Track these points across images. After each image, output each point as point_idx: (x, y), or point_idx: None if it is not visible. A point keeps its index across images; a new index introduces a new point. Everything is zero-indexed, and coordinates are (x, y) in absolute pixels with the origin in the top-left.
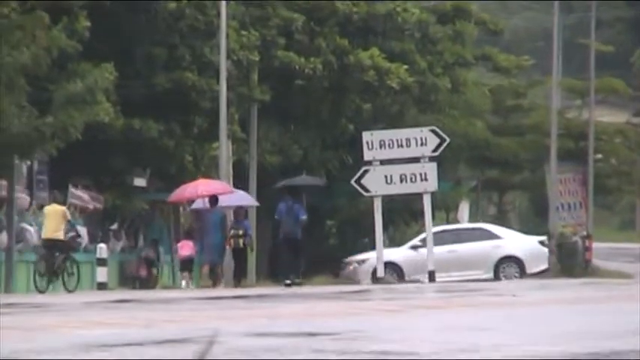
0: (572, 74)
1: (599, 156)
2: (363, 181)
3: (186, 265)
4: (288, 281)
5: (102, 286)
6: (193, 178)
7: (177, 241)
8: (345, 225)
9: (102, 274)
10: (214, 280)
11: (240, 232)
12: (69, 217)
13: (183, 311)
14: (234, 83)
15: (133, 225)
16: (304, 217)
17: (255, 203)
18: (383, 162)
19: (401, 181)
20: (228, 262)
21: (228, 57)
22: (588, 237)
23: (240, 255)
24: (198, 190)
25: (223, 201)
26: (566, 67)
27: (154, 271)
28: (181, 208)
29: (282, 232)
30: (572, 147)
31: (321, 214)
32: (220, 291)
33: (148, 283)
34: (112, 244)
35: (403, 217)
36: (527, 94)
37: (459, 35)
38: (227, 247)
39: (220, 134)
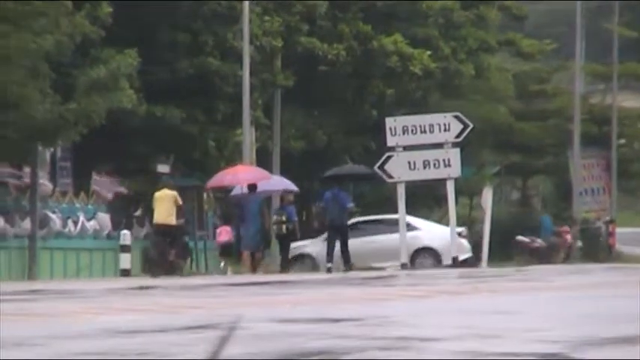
0: (596, 59)
1: (623, 141)
2: (386, 167)
3: (225, 250)
4: (329, 265)
5: (125, 273)
6: (217, 164)
7: (201, 227)
8: (369, 211)
9: (125, 260)
10: (254, 266)
11: (284, 218)
12: (180, 202)
13: (206, 297)
14: (258, 69)
15: None
16: (351, 204)
17: (296, 189)
18: (406, 148)
19: (424, 167)
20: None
21: (251, 43)
22: (612, 222)
23: (284, 241)
24: (238, 177)
25: (263, 185)
26: (589, 52)
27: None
28: (205, 195)
29: (329, 219)
30: (595, 132)
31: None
32: (251, 277)
33: (175, 269)
34: (136, 231)
35: (427, 202)
36: (550, 79)
37: (483, 20)
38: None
39: (244, 120)
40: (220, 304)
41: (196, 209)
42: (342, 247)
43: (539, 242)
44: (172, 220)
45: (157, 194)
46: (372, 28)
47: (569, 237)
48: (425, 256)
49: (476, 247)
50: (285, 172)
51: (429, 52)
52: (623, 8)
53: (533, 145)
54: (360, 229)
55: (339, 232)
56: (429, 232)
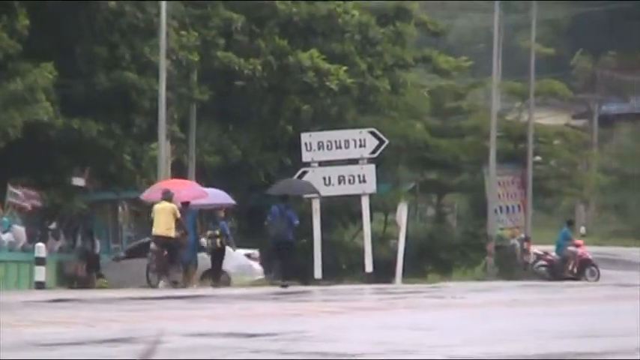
0: (512, 76)
1: (539, 158)
2: None
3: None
4: (272, 274)
5: (40, 286)
6: (133, 178)
7: (115, 241)
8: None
9: (40, 273)
10: (189, 279)
11: (217, 232)
12: (179, 215)
13: (124, 311)
14: (174, 83)
15: (72, 224)
16: (297, 222)
17: (232, 201)
18: (321, 163)
19: (339, 182)
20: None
21: (167, 57)
22: (527, 240)
23: (217, 255)
24: (180, 192)
25: (200, 200)
26: (505, 69)
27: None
28: (120, 208)
29: (274, 235)
30: (511, 149)
31: (260, 215)
32: (169, 291)
33: (87, 282)
34: (51, 244)
35: (342, 218)
36: (466, 96)
37: (399, 36)
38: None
39: (159, 134)
40: (138, 317)
41: (111, 222)
42: (284, 262)
43: (552, 255)
44: (171, 233)
45: (157, 206)
46: (289, 43)
47: (580, 250)
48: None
49: (390, 264)
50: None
51: (345, 68)
52: (539, 25)
53: (449, 161)
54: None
55: (285, 246)
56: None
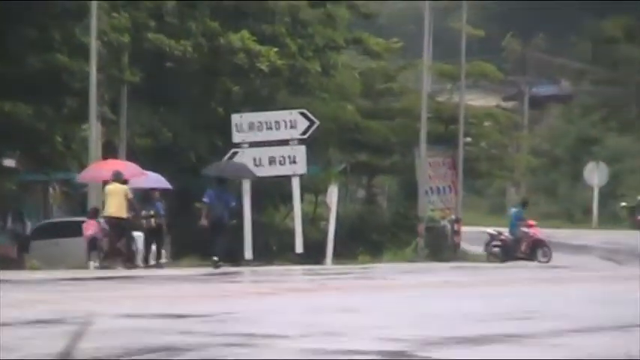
0: (443, 58)
1: (469, 140)
2: None
3: (92, 244)
4: (216, 258)
5: None
6: (64, 159)
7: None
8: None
9: None
10: (124, 259)
11: (152, 212)
12: (130, 195)
13: (52, 292)
14: (105, 65)
15: (1, 206)
16: (234, 203)
17: (169, 186)
18: (252, 144)
19: (270, 163)
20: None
21: (98, 38)
22: (457, 221)
23: (153, 234)
24: (109, 172)
25: (136, 183)
26: (436, 51)
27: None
28: (50, 189)
29: (213, 217)
30: (442, 131)
31: (190, 196)
32: (96, 272)
33: (18, 264)
34: None
35: (272, 199)
36: (397, 78)
37: (331, 18)
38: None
39: (90, 116)
40: (65, 299)
41: (42, 204)
42: (217, 241)
43: (505, 235)
44: (123, 213)
45: (109, 187)
46: (220, 25)
47: (532, 230)
48: None
49: (321, 245)
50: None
51: (275, 49)
52: (470, 7)
53: (379, 143)
54: (48, 230)
55: (220, 227)
56: None
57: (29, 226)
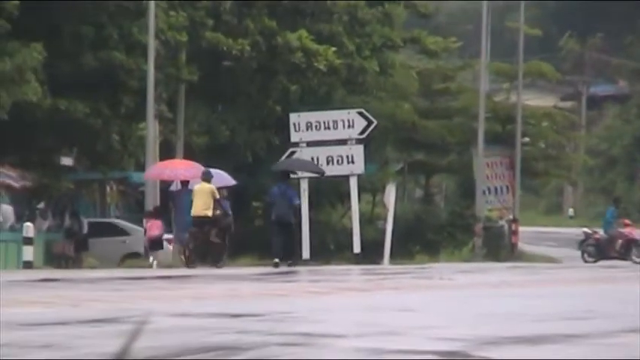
0: (500, 57)
1: (527, 139)
2: None
3: (156, 244)
4: (276, 260)
5: (28, 265)
6: (120, 158)
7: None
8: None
9: (28, 252)
10: (186, 259)
11: (219, 212)
12: (217, 195)
13: (109, 291)
14: (162, 63)
15: (59, 204)
16: (298, 202)
17: (233, 182)
18: (310, 144)
19: (327, 163)
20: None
21: (156, 37)
22: (515, 221)
23: (220, 234)
24: (177, 172)
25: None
26: (494, 50)
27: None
28: (107, 188)
29: (275, 215)
30: (499, 130)
31: (247, 195)
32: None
33: (75, 262)
34: (39, 223)
35: (330, 198)
36: (455, 77)
37: (388, 17)
38: None
39: (147, 114)
40: (122, 297)
41: (99, 202)
42: (287, 242)
43: (600, 234)
44: (209, 212)
45: (196, 187)
46: (278, 24)
47: (627, 230)
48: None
49: (378, 244)
50: None
51: (333, 49)
52: (528, 6)
53: (437, 142)
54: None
55: (286, 228)
56: (139, 238)
57: (86, 225)
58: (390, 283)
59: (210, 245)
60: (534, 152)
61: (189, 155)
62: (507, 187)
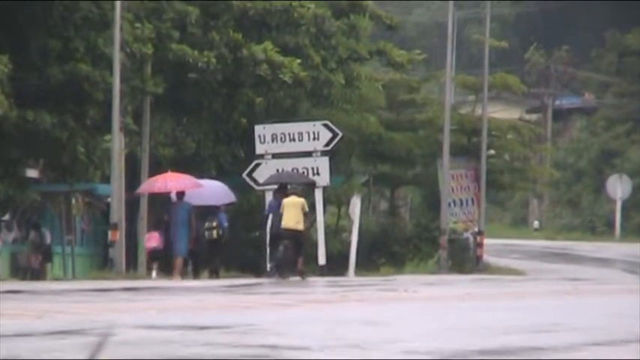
0: (466, 70)
1: (492, 152)
2: (254, 175)
3: (154, 256)
4: (270, 265)
5: None
6: (86, 170)
7: (69, 232)
8: (237, 218)
9: None
10: (175, 271)
11: (214, 224)
12: (307, 208)
13: (74, 303)
14: (128, 75)
15: (24, 216)
16: None
17: (234, 199)
18: (275, 155)
19: None
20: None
21: (121, 49)
22: (480, 233)
23: (213, 246)
24: (167, 184)
25: (204, 198)
26: (459, 63)
27: (47, 264)
28: (73, 200)
29: (273, 227)
30: (465, 143)
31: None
32: (119, 282)
33: (40, 274)
34: (4, 235)
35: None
36: (420, 90)
37: (354, 30)
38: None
39: (113, 126)
40: (87, 309)
41: (64, 214)
42: (296, 254)
43: None
44: (300, 226)
45: (286, 201)
46: (243, 36)
47: None
48: None
49: (343, 257)
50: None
51: (298, 61)
52: (493, 19)
53: (402, 155)
54: None
55: (292, 239)
56: None
57: (48, 236)
58: (356, 295)
59: (294, 258)
60: (500, 165)
61: (154, 167)
62: (472, 200)
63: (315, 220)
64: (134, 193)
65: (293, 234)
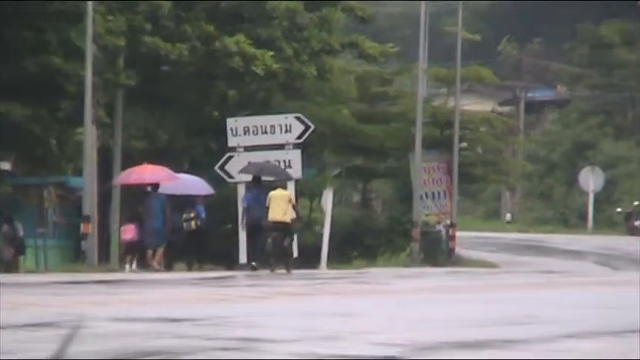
0: (439, 62)
1: (465, 144)
2: (226, 168)
3: (130, 248)
4: (254, 263)
5: None
6: (58, 163)
7: (41, 224)
8: (209, 211)
9: None
10: (158, 262)
11: (192, 215)
12: (294, 201)
13: (47, 295)
14: (100, 68)
15: None
16: None
17: (211, 191)
18: (247, 148)
19: None
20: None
21: (94, 42)
22: (452, 226)
23: (192, 238)
24: (144, 176)
25: (177, 189)
26: (432, 55)
27: (19, 256)
28: (45, 192)
29: (250, 219)
30: (437, 135)
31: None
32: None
33: (12, 266)
34: None
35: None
36: (393, 82)
37: (326, 22)
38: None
39: (85, 119)
40: (59, 302)
41: (37, 206)
42: (283, 245)
43: None
44: (287, 218)
45: (273, 193)
46: (216, 28)
47: None
48: None
49: (316, 249)
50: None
51: (271, 53)
52: (466, 11)
53: (375, 147)
54: None
55: (259, 232)
56: None
57: (20, 229)
58: (328, 288)
59: (284, 250)
60: (472, 157)
61: (127, 160)
62: (445, 193)
63: (298, 212)
64: (110, 185)
65: (281, 226)
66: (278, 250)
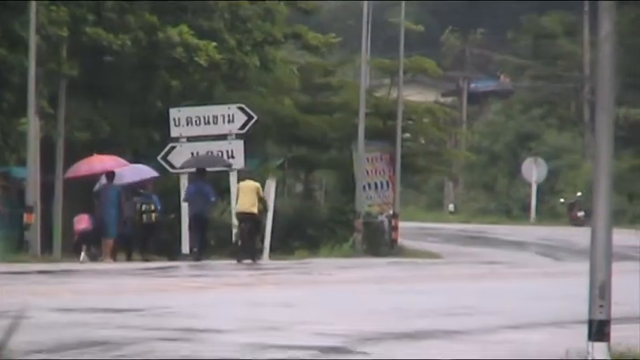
0: (382, 53)
1: (408, 135)
2: (169, 158)
3: (84, 239)
4: (195, 249)
5: None
6: (2, 154)
7: None
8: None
9: None
10: (114, 253)
11: (152, 208)
12: (262, 192)
13: None
14: (43, 59)
15: None
16: (214, 199)
17: (155, 174)
18: (190, 139)
19: None
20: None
21: (37, 32)
22: (395, 216)
23: (151, 230)
24: (93, 166)
25: (125, 177)
26: (375, 46)
27: None
28: None
29: (192, 212)
30: (380, 126)
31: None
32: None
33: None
34: None
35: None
36: (336, 73)
37: (269, 14)
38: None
39: (28, 110)
40: (1, 292)
41: None
42: (203, 237)
43: None
44: (255, 209)
45: (241, 184)
46: (159, 19)
47: None
48: None
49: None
50: (70, 163)
51: (214, 44)
52: (408, 3)
53: (317, 138)
54: None
55: (202, 223)
56: None
57: None
58: (271, 278)
59: (251, 241)
60: (415, 148)
61: (70, 151)
62: (388, 183)
63: (266, 203)
64: (65, 178)
65: (249, 217)
66: (245, 241)
